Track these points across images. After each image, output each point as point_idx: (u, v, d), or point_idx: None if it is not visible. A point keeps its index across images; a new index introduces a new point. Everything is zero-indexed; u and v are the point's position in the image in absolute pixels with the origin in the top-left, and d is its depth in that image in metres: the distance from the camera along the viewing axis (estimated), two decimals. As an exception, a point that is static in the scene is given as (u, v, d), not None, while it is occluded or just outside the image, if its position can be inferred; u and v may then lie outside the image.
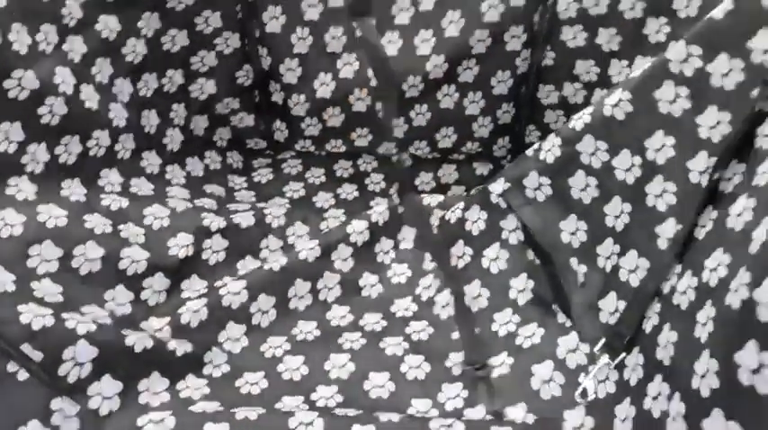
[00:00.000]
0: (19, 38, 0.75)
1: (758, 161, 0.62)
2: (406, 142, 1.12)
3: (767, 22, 0.66)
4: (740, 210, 0.61)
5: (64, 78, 0.81)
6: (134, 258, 0.85)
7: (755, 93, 0.65)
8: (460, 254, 0.95)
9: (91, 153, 0.87)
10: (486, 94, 1.07)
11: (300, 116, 1.11)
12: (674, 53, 0.73)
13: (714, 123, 0.71)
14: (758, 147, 0.63)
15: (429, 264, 0.97)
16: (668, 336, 0.65)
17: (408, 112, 1.09)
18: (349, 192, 1.13)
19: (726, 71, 0.69)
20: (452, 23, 1.01)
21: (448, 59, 1.03)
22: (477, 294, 0.91)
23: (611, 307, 0.79)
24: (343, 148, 1.15)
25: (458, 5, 1.00)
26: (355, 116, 1.10)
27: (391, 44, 1.04)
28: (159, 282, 0.87)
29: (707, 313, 0.59)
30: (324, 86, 1.08)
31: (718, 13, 0.69)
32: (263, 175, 1.15)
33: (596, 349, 0.78)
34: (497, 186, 0.93)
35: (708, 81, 0.71)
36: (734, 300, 0.54)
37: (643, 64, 0.85)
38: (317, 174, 1.16)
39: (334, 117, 1.11)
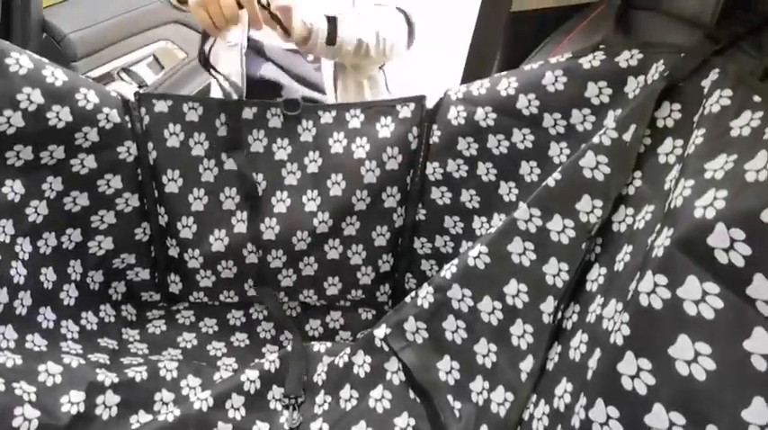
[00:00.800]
0: None
1: (588, 302, 0.75)
2: (296, 291, 1.20)
3: (588, 189, 0.82)
4: (577, 344, 0.72)
5: None
6: (27, 416, 0.85)
7: (584, 246, 0.80)
8: (347, 397, 1.00)
9: None
10: (367, 247, 1.18)
11: (195, 268, 1.16)
12: (519, 213, 0.88)
13: (556, 272, 0.84)
14: (588, 290, 0.77)
15: (318, 408, 1.02)
16: None
17: (297, 264, 1.17)
18: (241, 340, 1.18)
19: (560, 229, 0.84)
20: (336, 184, 1.13)
21: (333, 216, 1.14)
22: None
23: (484, 438, 0.87)
24: (236, 299, 1.20)
25: (339, 169, 1.12)
26: (248, 268, 1.17)
27: (281, 203, 1.14)
28: None
29: None
30: (218, 241, 1.15)
31: (550, 181, 0.85)
32: (157, 327, 1.18)
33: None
34: (380, 331, 1.01)
35: (548, 237, 0.85)
36: (575, 420, 0.63)
37: (498, 220, 0.99)
38: (209, 324, 1.20)
39: (228, 270, 1.17)
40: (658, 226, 0.66)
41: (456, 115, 1.04)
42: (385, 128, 1.10)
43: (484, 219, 1.09)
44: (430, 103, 1.09)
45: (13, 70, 0.93)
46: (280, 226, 1.14)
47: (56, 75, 0.97)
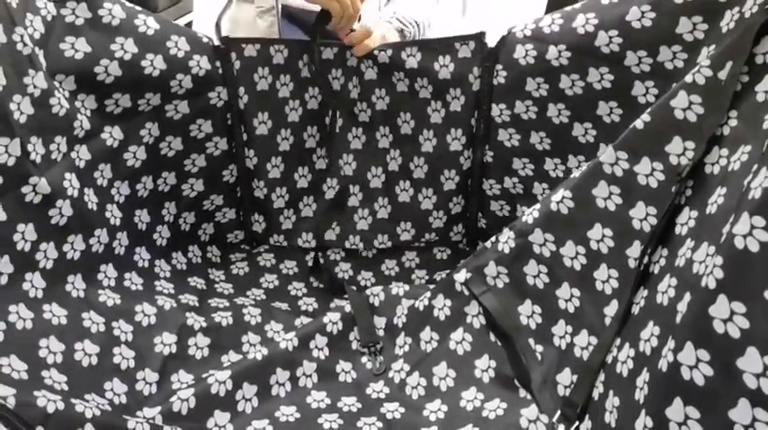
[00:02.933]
0: (35, 149, 0.85)
1: (677, 246, 0.73)
2: (371, 235, 1.22)
3: (680, 130, 0.79)
4: (665, 288, 0.71)
5: (71, 183, 0.90)
6: (124, 355, 0.92)
7: (674, 189, 0.78)
8: (428, 339, 1.03)
9: (93, 250, 0.95)
10: (437, 191, 1.18)
11: (280, 208, 1.21)
12: (605, 157, 0.86)
13: (644, 216, 0.82)
14: (677, 234, 0.75)
15: (399, 349, 1.05)
16: (613, 402, 0.74)
17: (372, 204, 1.20)
18: (320, 280, 1.22)
19: (649, 172, 0.82)
20: (405, 123, 1.14)
21: (403, 154, 1.16)
22: (444, 375, 0.98)
23: (566, 381, 0.88)
24: (313, 243, 1.24)
25: (407, 108, 1.14)
26: (326, 204, 1.21)
27: (356, 139, 1.17)
28: (149, 375, 0.93)
29: (643, 378, 0.68)
30: (302, 178, 1.20)
31: (639, 123, 0.83)
32: (240, 268, 1.23)
33: (554, 419, 0.85)
34: (460, 276, 1.02)
35: (635, 180, 0.83)
36: (663, 363, 0.63)
37: (575, 162, 0.97)
38: (290, 266, 1.24)
39: (308, 207, 1.22)
40: (755, 166, 0.63)
41: (524, 54, 1.01)
42: (444, 68, 1.09)
43: (558, 160, 1.07)
44: (491, 41, 1.06)
45: (106, 21, 0.96)
46: (356, 161, 1.18)
47: (148, 23, 1.00)
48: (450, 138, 1.14)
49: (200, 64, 1.06)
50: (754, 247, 0.57)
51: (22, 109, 0.83)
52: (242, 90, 1.11)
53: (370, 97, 1.14)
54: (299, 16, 1.29)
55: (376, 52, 1.10)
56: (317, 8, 1.07)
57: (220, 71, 1.09)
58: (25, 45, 0.84)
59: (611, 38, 0.91)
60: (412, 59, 1.09)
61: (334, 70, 1.13)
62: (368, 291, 1.11)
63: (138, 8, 1.01)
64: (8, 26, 0.82)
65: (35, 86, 0.85)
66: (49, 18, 0.91)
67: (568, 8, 0.98)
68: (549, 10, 1.12)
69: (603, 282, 0.86)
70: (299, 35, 1.26)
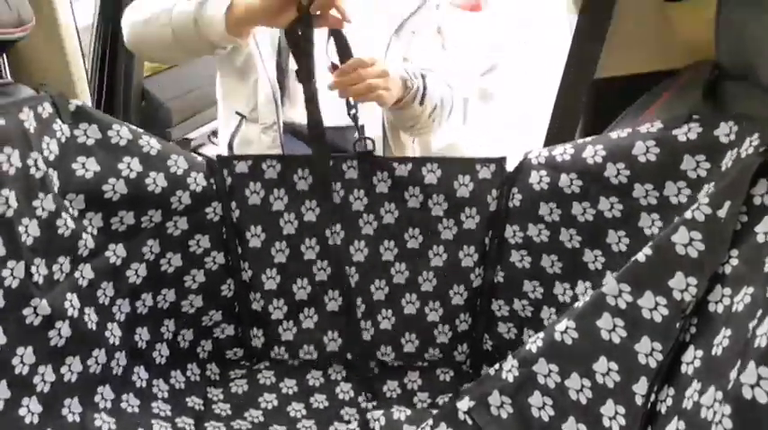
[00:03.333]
0: (38, 270, 0.85)
1: (684, 386, 0.72)
2: (374, 346, 1.20)
3: (682, 266, 0.79)
4: None
5: (72, 303, 0.90)
6: None
7: (678, 325, 0.77)
8: None
9: (90, 371, 0.93)
10: (444, 304, 1.17)
11: (278, 319, 1.20)
12: (608, 288, 0.86)
13: (649, 351, 0.81)
14: (683, 373, 0.73)
15: None
16: None
17: (376, 316, 1.19)
18: (320, 401, 1.18)
19: (653, 306, 0.81)
20: (413, 238, 1.15)
21: (409, 268, 1.16)
22: None
23: None
24: (315, 355, 1.22)
25: (416, 224, 1.14)
26: (328, 316, 1.20)
27: (359, 252, 1.17)
28: None
29: None
30: (301, 290, 1.19)
31: (641, 256, 0.83)
32: (240, 386, 1.21)
33: None
34: (463, 404, 1.00)
35: (640, 314, 0.83)
36: None
37: (583, 288, 0.97)
38: (289, 385, 1.21)
39: (309, 319, 1.20)
40: (760, 311, 0.63)
41: (538, 180, 1.04)
42: (463, 187, 1.11)
43: (567, 285, 1.07)
44: (510, 165, 1.09)
45: (114, 141, 1.01)
46: (359, 274, 1.17)
47: (151, 144, 1.04)
48: (462, 254, 1.14)
49: (197, 181, 1.09)
50: (762, 399, 0.56)
51: (29, 231, 0.84)
52: (234, 205, 1.14)
53: (378, 210, 1.15)
54: (303, 131, 1.32)
55: (395, 165, 1.12)
56: (329, 123, 1.10)
57: (215, 187, 1.12)
58: (38, 169, 0.87)
59: (619, 170, 0.94)
60: (431, 175, 1.12)
61: (332, 183, 1.15)
62: (368, 415, 1.09)
63: (141, 130, 1.06)
64: (24, 152, 0.85)
65: (43, 209, 0.87)
66: (63, 140, 0.95)
67: (580, 140, 1.01)
68: (548, 143, 1.15)
69: (611, 419, 0.84)
70: (303, 149, 1.29)
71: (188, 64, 1.89)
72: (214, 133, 1.93)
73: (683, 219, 0.80)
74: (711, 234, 0.77)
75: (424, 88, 1.21)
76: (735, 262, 0.73)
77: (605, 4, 1.10)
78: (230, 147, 1.26)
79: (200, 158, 1.11)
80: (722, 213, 0.76)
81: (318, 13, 1.01)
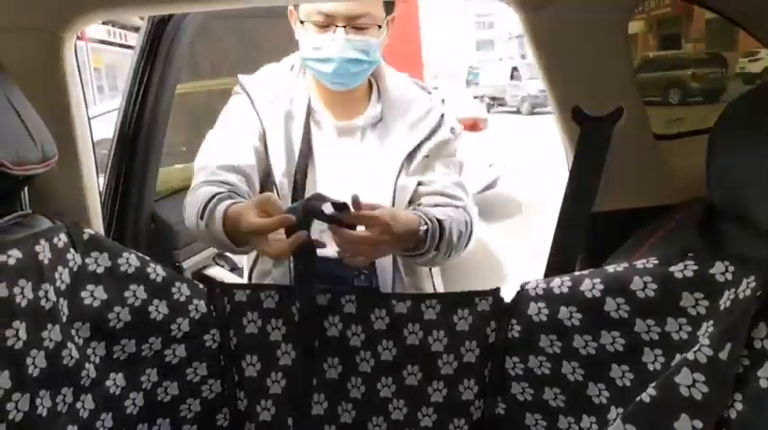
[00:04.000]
0: (43, 402, 0.85)
1: None
2: None
3: (686, 408, 0.79)
4: None
5: None
6: None
7: None
8: None
9: None
10: None
11: None
12: (614, 429, 0.85)
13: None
14: None
15: None
16: None
17: None
18: None
19: None
20: (411, 375, 1.14)
21: (408, 405, 1.14)
22: None
23: None
24: None
25: (415, 361, 1.13)
26: None
27: (356, 389, 1.15)
28: None
29: None
30: (296, 424, 1.16)
31: (645, 396, 0.83)
32: None
33: None
34: None
35: None
36: None
37: (588, 423, 0.96)
38: None
39: None
40: None
41: (537, 311, 1.05)
42: (462, 320, 1.12)
43: (571, 419, 1.05)
44: (506, 297, 1.10)
45: (123, 269, 1.04)
46: (356, 411, 1.15)
47: (157, 271, 1.07)
48: (462, 388, 1.13)
49: (198, 308, 1.11)
50: None
51: (36, 363, 0.85)
52: (231, 332, 1.14)
53: (375, 347, 1.15)
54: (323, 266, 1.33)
55: (394, 302, 1.13)
56: (330, 253, 1.12)
57: (214, 314, 1.13)
58: (48, 300, 0.89)
59: (618, 304, 0.95)
60: (431, 311, 1.12)
61: (330, 316, 1.15)
62: None
63: (148, 258, 1.09)
64: (37, 283, 0.87)
65: (51, 339, 0.88)
66: (75, 268, 0.98)
67: (577, 272, 1.03)
68: (549, 275, 1.17)
69: None
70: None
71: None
72: (219, 255, 1.96)
73: (686, 359, 0.81)
74: (714, 376, 0.77)
75: (440, 234, 1.18)
76: (739, 406, 0.74)
77: (599, 141, 1.16)
78: (249, 277, 1.29)
79: (201, 286, 1.13)
80: (724, 355, 0.77)
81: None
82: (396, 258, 1.31)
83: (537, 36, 1.13)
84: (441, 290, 1.42)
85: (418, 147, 1.30)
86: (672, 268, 0.91)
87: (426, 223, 1.16)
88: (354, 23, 1.22)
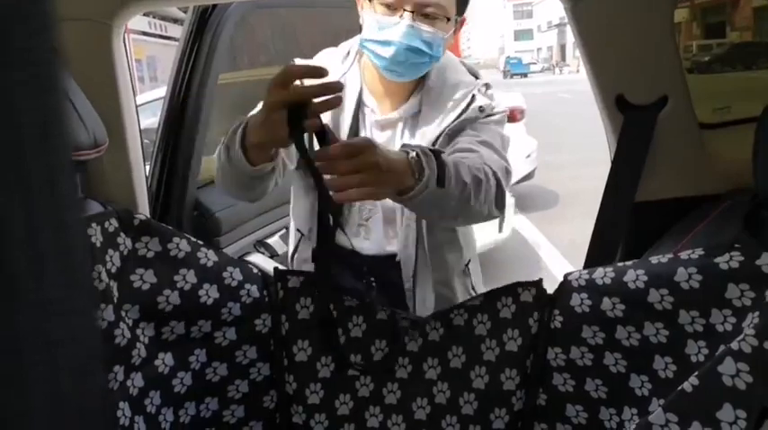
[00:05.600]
0: None
1: None
2: None
3: (730, 398, 0.79)
4: None
5: (124, 412, 0.92)
6: None
7: None
8: None
9: None
10: (485, 429, 1.15)
11: None
12: (655, 417, 0.85)
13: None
14: None
15: None
16: None
17: None
18: None
19: None
20: (456, 357, 1.15)
21: (451, 388, 1.15)
22: None
23: None
24: None
25: (459, 342, 1.14)
26: None
27: (402, 368, 1.17)
28: None
29: None
30: (343, 405, 1.19)
31: (687, 386, 0.83)
32: None
33: None
34: None
35: None
36: None
37: (629, 414, 0.96)
38: None
39: None
40: None
41: (579, 302, 1.04)
42: (506, 308, 1.12)
43: (613, 410, 1.05)
44: (549, 287, 1.10)
45: (173, 254, 1.06)
46: (401, 391, 1.16)
47: (208, 256, 1.09)
48: (503, 377, 1.13)
49: (250, 292, 1.12)
50: None
51: None
52: (284, 317, 1.16)
53: (423, 327, 1.16)
54: (351, 259, 1.35)
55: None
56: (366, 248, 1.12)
57: (267, 299, 1.15)
58: (101, 281, 0.92)
59: (662, 296, 0.95)
60: (475, 299, 1.14)
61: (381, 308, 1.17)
62: None
63: (201, 242, 1.10)
64: (90, 265, 0.90)
65: (104, 319, 0.91)
66: (125, 252, 1.01)
67: (620, 263, 1.03)
68: (589, 265, 1.16)
69: None
70: (347, 278, 1.33)
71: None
72: (260, 242, 1.99)
73: (730, 349, 0.80)
74: (758, 366, 0.77)
75: (442, 166, 1.03)
76: None
77: (643, 130, 1.15)
78: (292, 262, 1.31)
79: (256, 271, 1.15)
80: None
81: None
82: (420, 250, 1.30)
83: (581, 25, 1.12)
84: (478, 288, 1.42)
85: (452, 123, 1.25)
86: (717, 259, 0.90)
87: (414, 151, 1.03)
88: (424, 11, 1.18)
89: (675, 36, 1.17)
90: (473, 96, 1.27)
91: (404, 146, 1.08)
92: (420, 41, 1.17)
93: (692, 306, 0.92)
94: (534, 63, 51.98)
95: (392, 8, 1.18)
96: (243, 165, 1.05)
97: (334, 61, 1.32)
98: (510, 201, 4.39)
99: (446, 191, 1.03)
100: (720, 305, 0.89)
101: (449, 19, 1.21)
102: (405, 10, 1.17)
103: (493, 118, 1.28)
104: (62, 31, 0.85)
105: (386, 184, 0.98)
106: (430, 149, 1.04)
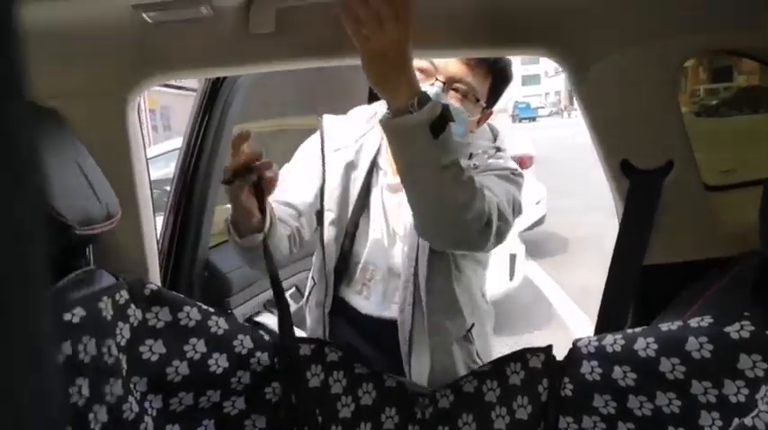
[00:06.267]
0: None
1: None
2: None
3: None
4: None
5: None
6: None
7: None
8: None
9: None
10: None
11: None
12: None
13: None
14: None
15: None
16: None
17: None
18: None
19: None
20: (466, 425, 1.13)
21: None
22: None
23: None
24: None
25: (470, 410, 1.13)
26: None
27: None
28: None
29: None
30: None
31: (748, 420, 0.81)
32: None
33: None
34: None
35: None
36: None
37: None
38: None
39: None
40: None
41: (590, 370, 1.03)
42: (515, 374, 1.11)
43: (643, 397, 1.01)
44: (561, 334, 1.09)
45: (183, 323, 1.06)
46: None
47: (219, 324, 1.09)
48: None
49: (260, 361, 1.11)
50: None
51: (98, 417, 0.88)
52: (294, 386, 1.15)
53: (433, 394, 1.16)
54: (354, 317, 1.36)
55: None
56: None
57: (277, 367, 1.14)
58: (110, 355, 0.92)
59: (674, 365, 0.94)
60: (485, 366, 1.14)
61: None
62: None
63: (212, 310, 1.10)
64: (100, 340, 0.91)
65: (112, 394, 0.91)
66: (135, 324, 1.01)
67: (629, 330, 1.02)
68: (599, 331, 1.15)
69: None
70: (350, 335, 1.35)
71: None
72: (270, 301, 2.00)
73: (743, 425, 0.79)
74: None
75: (446, 117, 0.97)
76: None
77: (650, 195, 1.15)
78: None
79: (267, 337, 1.14)
80: None
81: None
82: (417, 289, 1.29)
83: (584, 92, 1.14)
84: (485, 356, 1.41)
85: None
86: (727, 328, 0.89)
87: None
88: (455, 85, 1.21)
89: (679, 101, 1.18)
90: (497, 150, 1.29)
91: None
92: None
93: (704, 376, 0.92)
94: (542, 107, 52.54)
95: (425, 74, 1.20)
96: (232, 238, 1.13)
97: (359, 120, 1.36)
98: (520, 248, 4.38)
99: (438, 147, 0.96)
100: (733, 376, 0.88)
101: (478, 100, 1.24)
102: (437, 79, 1.20)
103: (502, 172, 1.26)
104: (77, 105, 0.87)
105: (382, 49, 0.92)
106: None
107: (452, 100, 1.21)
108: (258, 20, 1.02)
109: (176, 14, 0.97)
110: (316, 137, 1.37)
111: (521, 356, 1.11)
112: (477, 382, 1.13)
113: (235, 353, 1.09)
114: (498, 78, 1.27)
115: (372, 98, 1.46)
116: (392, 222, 1.32)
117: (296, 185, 1.31)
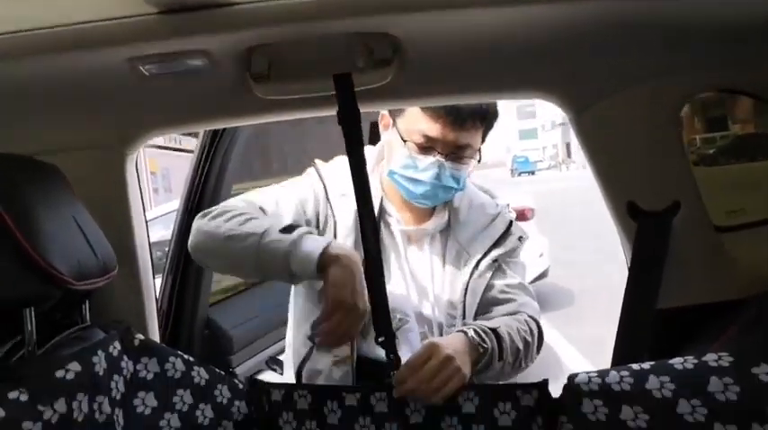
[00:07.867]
0: None
1: None
2: None
3: None
4: None
5: None
6: None
7: None
8: None
9: None
10: None
11: None
12: None
13: None
14: None
15: None
16: None
17: None
18: None
19: None
20: None
21: None
22: None
23: None
24: None
25: None
26: None
27: None
28: None
29: None
30: None
31: None
32: None
33: None
34: None
35: None
36: None
37: None
38: None
39: None
40: None
41: (593, 410, 0.96)
42: (505, 415, 1.05)
43: None
44: (554, 390, 1.04)
45: (170, 375, 1.06)
46: None
47: (200, 374, 1.09)
48: None
49: (240, 409, 1.11)
50: None
51: None
52: None
53: None
54: (377, 370, 1.30)
55: None
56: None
57: (254, 416, 1.13)
58: (101, 413, 0.90)
59: (694, 407, 0.89)
60: (469, 404, 1.07)
61: (361, 418, 1.10)
62: None
63: (193, 360, 1.10)
64: (92, 397, 0.88)
65: None
66: (128, 376, 1.00)
67: (635, 365, 0.97)
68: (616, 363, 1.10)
69: None
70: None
71: (252, 294, 1.99)
72: (272, 359, 1.95)
73: None
74: None
75: (500, 342, 1.17)
76: None
77: (658, 239, 1.13)
78: (299, 375, 1.27)
79: (241, 386, 1.14)
80: None
81: None
82: None
83: (586, 134, 1.13)
84: None
85: (487, 253, 1.31)
86: (755, 370, 0.85)
87: (470, 328, 1.15)
88: (456, 152, 1.25)
89: (683, 140, 1.17)
90: (510, 223, 1.35)
91: (460, 328, 1.18)
92: (451, 179, 1.25)
93: (729, 419, 0.87)
94: (541, 161, 52.97)
95: (425, 148, 1.25)
96: (304, 273, 1.14)
97: None
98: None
99: (504, 361, 1.17)
100: (762, 420, 0.84)
101: (476, 151, 1.29)
102: (438, 152, 1.24)
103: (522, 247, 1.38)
104: (76, 160, 0.86)
105: (465, 365, 1.08)
106: (488, 327, 1.16)
107: (455, 165, 1.25)
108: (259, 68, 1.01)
109: (173, 66, 0.97)
110: (312, 180, 1.36)
111: (510, 394, 1.05)
112: (462, 428, 1.07)
113: (217, 403, 1.09)
114: (489, 124, 1.30)
115: (373, 140, 1.46)
116: (408, 268, 1.32)
117: (295, 215, 1.28)
